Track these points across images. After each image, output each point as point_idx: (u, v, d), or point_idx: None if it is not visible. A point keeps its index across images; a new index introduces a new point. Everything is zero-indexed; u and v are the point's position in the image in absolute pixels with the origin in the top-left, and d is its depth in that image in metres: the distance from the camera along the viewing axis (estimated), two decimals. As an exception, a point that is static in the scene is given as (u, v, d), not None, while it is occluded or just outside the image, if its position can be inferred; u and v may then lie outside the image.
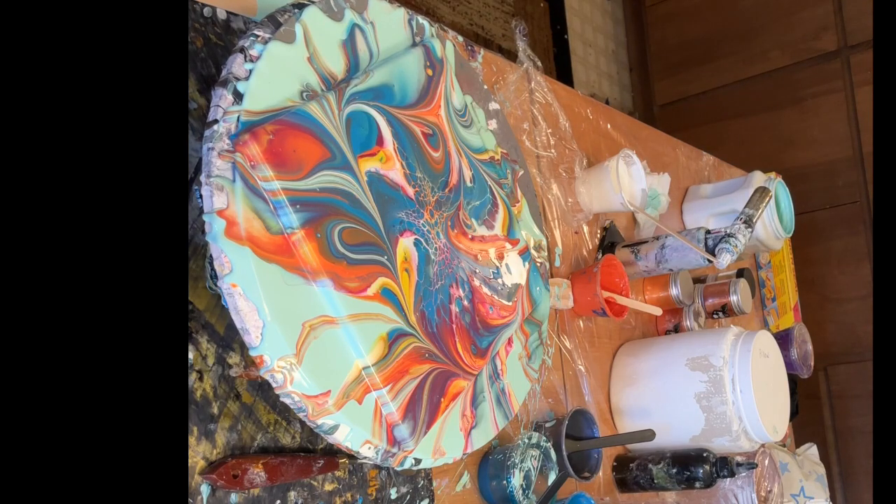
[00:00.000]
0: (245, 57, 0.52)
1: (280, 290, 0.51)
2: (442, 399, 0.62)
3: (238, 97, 0.51)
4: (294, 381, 0.52)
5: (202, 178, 0.49)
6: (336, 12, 0.59)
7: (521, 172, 0.77)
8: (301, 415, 0.53)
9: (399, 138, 0.62)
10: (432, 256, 0.64)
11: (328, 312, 0.54)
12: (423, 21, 0.67)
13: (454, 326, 0.65)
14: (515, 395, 0.74)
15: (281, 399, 0.52)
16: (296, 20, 0.55)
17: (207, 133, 0.50)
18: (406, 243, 0.61)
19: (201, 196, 0.50)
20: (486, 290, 0.70)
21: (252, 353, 0.50)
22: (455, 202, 0.67)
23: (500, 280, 0.72)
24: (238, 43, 0.53)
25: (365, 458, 0.57)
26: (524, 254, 0.76)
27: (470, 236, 0.69)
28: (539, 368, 0.81)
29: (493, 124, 0.74)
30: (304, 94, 0.56)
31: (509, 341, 0.73)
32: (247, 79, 0.52)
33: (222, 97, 0.51)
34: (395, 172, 0.61)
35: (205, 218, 0.49)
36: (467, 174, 0.69)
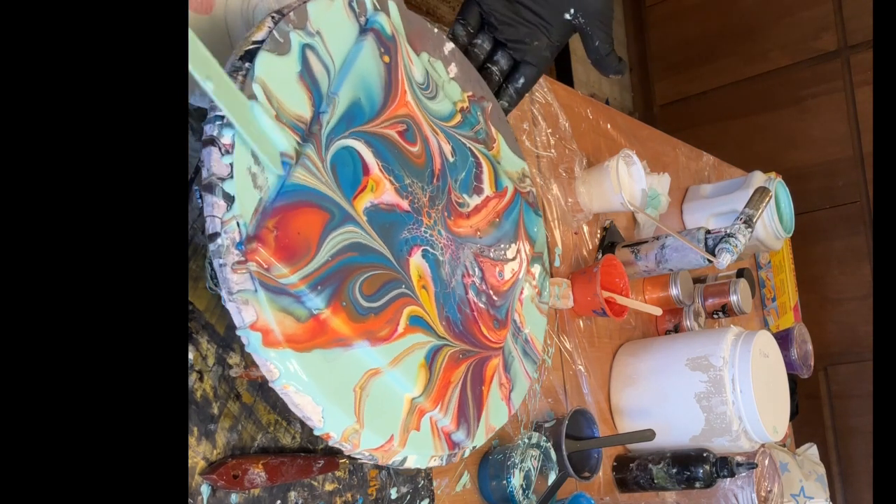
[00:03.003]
0: (220, 149, 0.49)
1: (326, 371, 0.53)
2: (483, 387, 0.66)
3: (229, 199, 0.49)
4: (362, 443, 0.55)
5: (224, 294, 0.49)
6: (283, 43, 0.54)
7: (490, 106, 0.73)
8: (372, 462, 0.57)
9: (381, 154, 0.60)
10: (441, 258, 0.64)
11: (371, 366, 0.56)
12: None
13: (475, 313, 0.67)
14: (537, 338, 0.76)
15: (353, 457, 0.56)
16: (251, 80, 0.51)
17: (213, 248, 0.48)
18: (416, 261, 0.61)
19: (201, 197, 0.50)
20: (491, 259, 0.70)
21: (317, 433, 0.53)
22: (444, 188, 0.66)
23: (501, 244, 0.72)
24: (205, 130, 0.49)
25: (431, 468, 0.61)
26: (513, 201, 0.74)
27: (466, 214, 0.68)
28: (550, 298, 0.86)
29: (453, 68, 0.70)
30: (285, 162, 0.52)
31: (521, 291, 0.75)
32: (231, 176, 0.49)
33: (214, 205, 0.48)
34: (388, 193, 0.60)
35: (239, 333, 0.49)
36: (447, 149, 0.67)
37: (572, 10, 0.71)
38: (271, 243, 0.49)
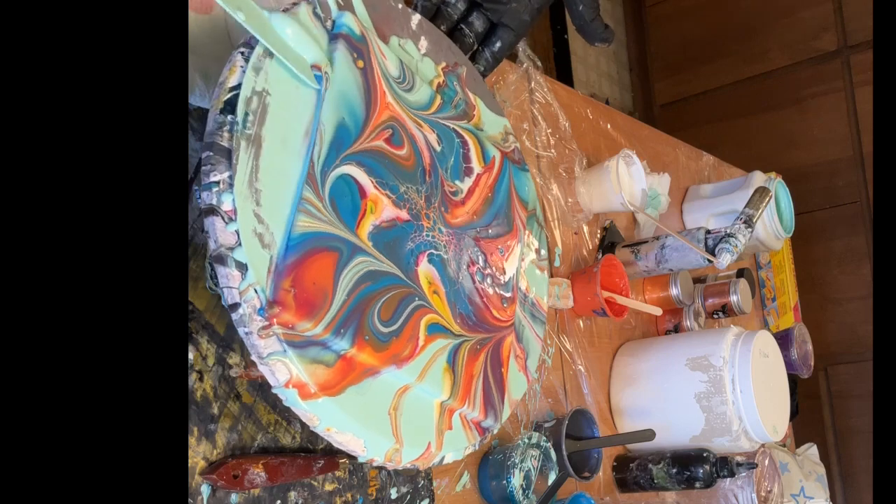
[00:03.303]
0: (223, 217, 0.48)
1: (361, 404, 0.55)
2: (502, 369, 0.69)
3: (242, 268, 0.49)
4: (403, 459, 0.58)
5: (255, 358, 0.50)
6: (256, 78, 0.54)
7: (465, 70, 0.70)
8: (415, 469, 0.64)
9: (373, 170, 0.59)
10: (445, 257, 0.65)
11: (400, 385, 0.58)
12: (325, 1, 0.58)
13: (484, 300, 0.68)
14: (541, 298, 0.77)
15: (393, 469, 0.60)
16: (239, 134, 0.50)
17: (236, 318, 0.49)
18: (424, 268, 0.62)
19: (201, 196, 0.50)
20: (491, 237, 0.71)
21: (361, 461, 0.56)
22: (437, 182, 0.65)
23: (497, 218, 0.72)
24: (203, 198, 0.49)
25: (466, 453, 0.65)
26: (501, 169, 0.73)
27: (461, 201, 0.68)
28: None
29: (423, 43, 0.66)
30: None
31: (521, 257, 0.75)
32: (239, 243, 0.49)
33: (229, 276, 0.48)
34: (387, 209, 0.59)
35: (276, 392, 0.51)
36: (433, 139, 0.65)
37: None
38: (291, 303, 0.50)
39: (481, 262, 0.69)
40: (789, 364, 1.26)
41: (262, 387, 0.60)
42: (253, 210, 0.50)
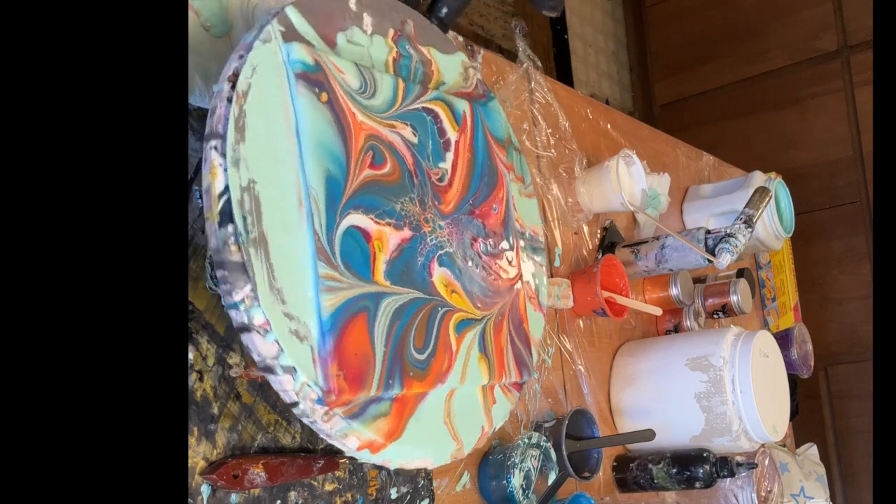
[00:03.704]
0: (259, 332, 0.49)
1: (421, 430, 0.59)
2: (524, 324, 0.72)
3: (292, 371, 0.51)
4: (465, 451, 0.63)
5: (323, 436, 0.53)
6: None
7: (412, 25, 0.68)
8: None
9: (369, 205, 0.59)
10: (451, 250, 0.66)
11: (447, 392, 0.63)
12: (266, 30, 0.54)
13: (493, 268, 0.70)
14: (535, 225, 0.79)
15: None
16: (246, 244, 0.50)
17: (298, 412, 0.52)
18: (438, 274, 0.64)
19: (201, 196, 0.50)
20: (484, 202, 0.71)
21: (431, 469, 0.62)
22: (423, 179, 0.65)
23: (483, 179, 0.72)
24: (233, 318, 0.49)
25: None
26: (473, 122, 0.72)
27: (447, 183, 0.68)
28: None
29: (367, 20, 0.64)
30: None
31: (510, 198, 0.76)
32: (281, 350, 0.50)
33: (282, 382, 0.50)
34: (391, 238, 0.60)
35: (349, 455, 0.55)
36: (408, 133, 0.64)
37: None
38: (343, 385, 0.53)
39: (482, 234, 0.70)
40: (789, 364, 1.26)
41: (262, 387, 0.60)
42: (282, 311, 0.51)
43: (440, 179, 0.67)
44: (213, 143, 0.50)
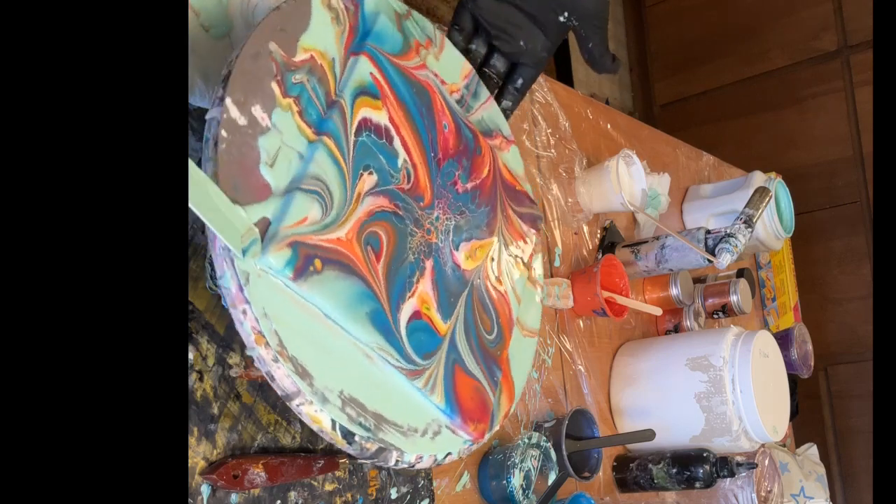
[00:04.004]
0: (426, 465, 0.57)
1: (519, 376, 0.70)
2: (510, 184, 0.75)
3: (449, 455, 0.60)
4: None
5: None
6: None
7: (274, 50, 0.59)
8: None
9: (401, 286, 0.59)
10: (454, 223, 0.66)
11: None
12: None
13: (478, 181, 0.69)
14: (516, 169, 0.77)
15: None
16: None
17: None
18: (460, 254, 0.65)
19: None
20: (440, 140, 0.67)
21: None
22: (406, 205, 0.62)
23: (425, 120, 0.67)
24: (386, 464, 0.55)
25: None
26: (381, 69, 0.62)
27: (414, 176, 0.63)
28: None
29: (259, 112, 0.54)
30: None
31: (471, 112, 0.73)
32: (444, 459, 0.59)
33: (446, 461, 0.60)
34: (426, 284, 0.62)
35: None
36: (370, 183, 0.59)
37: (566, 14, 0.70)
38: (482, 427, 0.62)
39: (457, 168, 0.67)
40: (789, 364, 1.26)
41: (262, 387, 0.60)
42: (429, 435, 0.58)
43: (409, 181, 0.63)
44: (296, 402, 0.51)
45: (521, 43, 0.72)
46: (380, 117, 0.60)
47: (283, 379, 0.49)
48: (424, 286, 0.61)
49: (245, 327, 0.48)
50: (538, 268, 0.77)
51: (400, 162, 0.61)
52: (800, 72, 2.21)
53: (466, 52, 0.73)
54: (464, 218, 0.67)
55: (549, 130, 1.03)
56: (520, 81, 0.75)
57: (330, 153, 0.55)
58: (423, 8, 1.82)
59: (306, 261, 0.51)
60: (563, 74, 2.36)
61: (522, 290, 0.72)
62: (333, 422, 0.51)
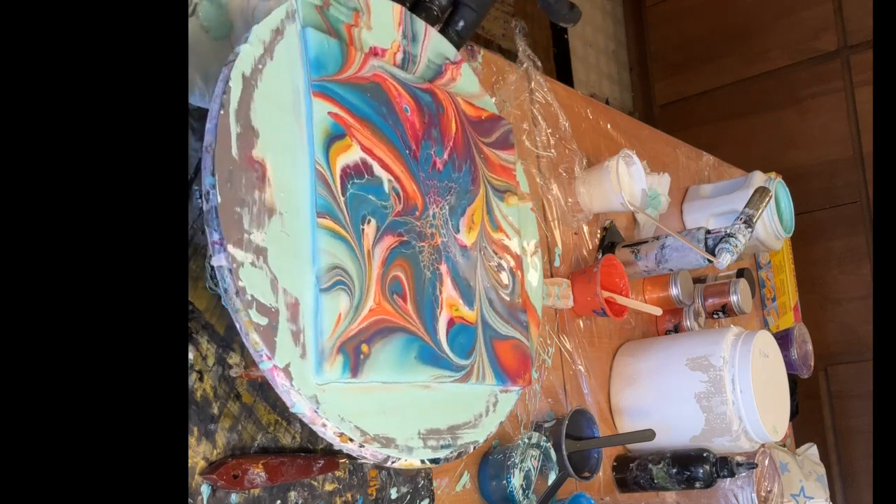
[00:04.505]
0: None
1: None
2: (475, 118, 0.73)
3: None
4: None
5: None
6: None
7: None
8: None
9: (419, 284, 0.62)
10: (452, 202, 0.67)
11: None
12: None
13: (452, 145, 0.69)
14: (472, 91, 0.75)
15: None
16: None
17: None
18: (462, 232, 0.67)
19: (201, 196, 0.50)
20: (408, 130, 0.66)
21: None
22: (412, 233, 0.63)
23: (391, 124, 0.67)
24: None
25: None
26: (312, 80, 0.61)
27: (402, 191, 0.63)
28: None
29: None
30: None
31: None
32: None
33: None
34: (452, 289, 0.66)
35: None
36: (371, 230, 0.59)
37: None
38: (529, 377, 0.71)
39: (433, 149, 0.66)
40: (789, 364, 1.26)
41: (262, 387, 0.60)
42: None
43: (400, 199, 0.63)
44: (388, 463, 0.57)
45: None
46: (354, 154, 0.59)
47: (374, 455, 0.54)
48: (447, 291, 0.64)
49: (328, 434, 0.52)
50: (522, 180, 0.77)
51: (386, 186, 0.61)
52: (800, 72, 2.21)
53: None
54: (453, 194, 0.67)
55: (549, 130, 1.03)
56: (461, 24, 0.73)
57: (332, 232, 0.55)
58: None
59: (356, 353, 0.55)
60: (563, 74, 2.36)
61: (517, 217, 0.74)
62: (422, 460, 0.57)
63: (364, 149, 0.60)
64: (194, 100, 0.58)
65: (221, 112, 0.50)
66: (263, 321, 0.50)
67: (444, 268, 0.64)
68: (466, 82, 0.74)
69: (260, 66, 0.53)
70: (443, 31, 0.74)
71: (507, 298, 0.70)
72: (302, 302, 0.53)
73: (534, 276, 0.77)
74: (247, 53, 0.52)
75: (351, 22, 0.63)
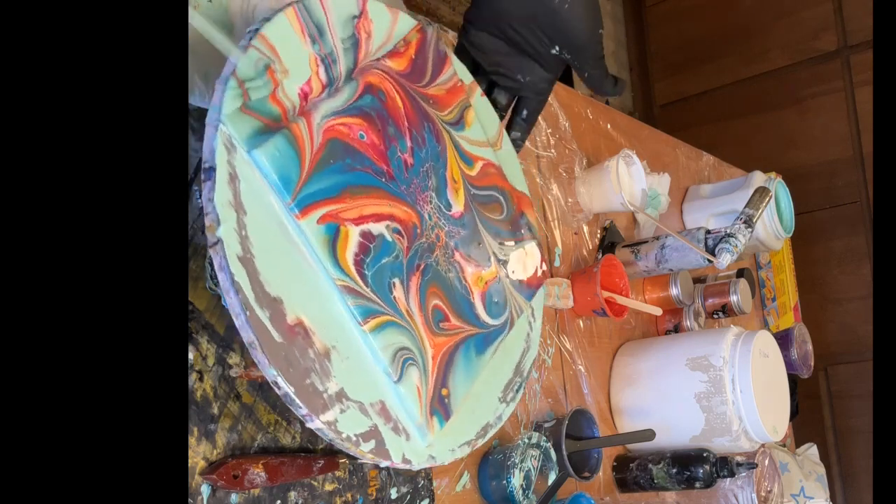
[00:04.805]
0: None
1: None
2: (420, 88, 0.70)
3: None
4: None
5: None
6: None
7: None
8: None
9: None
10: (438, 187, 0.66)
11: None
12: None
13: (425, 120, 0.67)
14: (380, 39, 0.67)
15: None
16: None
17: None
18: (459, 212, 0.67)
19: (201, 196, 0.50)
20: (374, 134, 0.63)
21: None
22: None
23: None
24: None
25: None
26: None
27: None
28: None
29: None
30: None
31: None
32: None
33: None
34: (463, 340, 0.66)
35: None
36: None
37: (557, 48, 0.70)
38: (546, 272, 0.77)
39: (409, 145, 0.65)
40: (789, 364, 1.26)
41: (262, 387, 0.60)
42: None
43: (404, 236, 0.63)
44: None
45: (519, 77, 0.73)
46: (353, 236, 0.57)
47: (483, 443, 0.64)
48: (469, 272, 0.66)
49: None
50: (477, 99, 0.73)
51: (388, 235, 0.60)
52: (800, 72, 2.21)
53: None
54: (431, 175, 0.65)
55: (549, 130, 1.03)
56: (525, 112, 0.76)
57: (377, 328, 0.57)
58: (424, 9, 1.82)
59: (441, 402, 0.60)
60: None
61: (481, 126, 0.72)
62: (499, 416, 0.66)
63: (356, 221, 0.57)
64: (194, 100, 0.58)
65: (246, 310, 0.48)
66: (371, 445, 0.54)
67: (457, 255, 0.66)
68: (378, 26, 0.65)
69: (243, 233, 0.50)
70: (511, 120, 0.77)
71: (506, 221, 0.72)
72: (387, 400, 0.56)
73: (507, 152, 0.75)
74: (228, 235, 0.49)
75: (270, 87, 0.54)
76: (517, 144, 0.77)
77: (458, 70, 0.72)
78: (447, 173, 0.68)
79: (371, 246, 0.59)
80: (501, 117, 0.77)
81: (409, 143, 0.65)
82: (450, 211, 0.67)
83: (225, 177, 0.49)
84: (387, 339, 0.57)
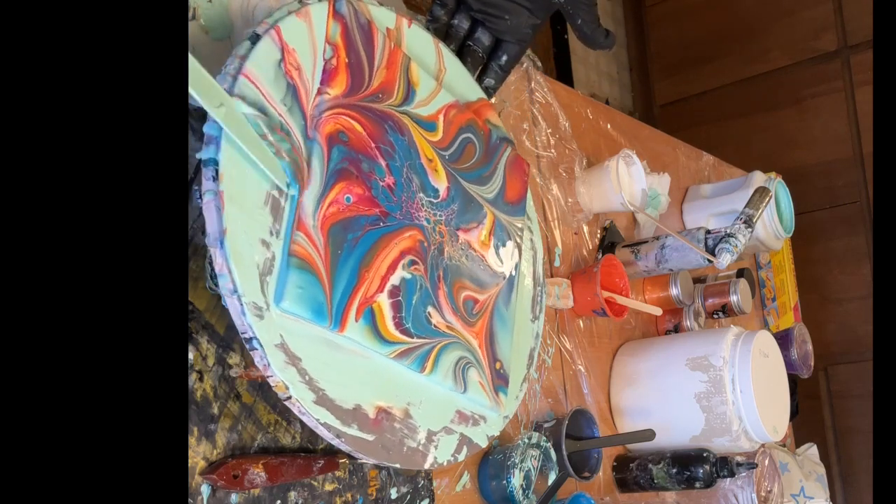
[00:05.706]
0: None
1: None
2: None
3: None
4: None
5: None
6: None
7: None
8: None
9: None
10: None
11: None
12: None
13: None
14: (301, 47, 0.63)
15: None
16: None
17: None
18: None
19: (201, 197, 0.50)
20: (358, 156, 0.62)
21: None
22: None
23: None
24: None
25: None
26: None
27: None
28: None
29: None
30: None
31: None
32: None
33: None
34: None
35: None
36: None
37: None
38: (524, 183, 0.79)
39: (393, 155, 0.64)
40: (789, 364, 1.26)
41: (262, 387, 0.60)
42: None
43: (420, 255, 0.64)
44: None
45: (505, 17, 0.71)
46: (385, 305, 0.59)
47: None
48: (476, 243, 0.69)
49: None
50: (409, 39, 0.68)
51: (409, 274, 0.62)
52: (800, 72, 2.21)
53: (448, 27, 0.72)
54: (414, 179, 0.64)
55: (549, 130, 1.03)
56: (504, 58, 0.74)
57: (435, 362, 0.62)
58: (423, 8, 1.82)
59: (503, 379, 0.69)
60: (563, 74, 2.36)
61: (428, 83, 0.67)
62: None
63: (381, 287, 0.59)
64: (194, 100, 0.58)
65: (339, 436, 0.55)
66: (464, 452, 0.66)
67: (461, 234, 0.68)
68: (300, 48, 0.57)
69: (307, 377, 0.53)
70: (486, 65, 0.75)
71: (480, 153, 0.71)
72: (461, 408, 0.66)
73: (452, 69, 0.71)
74: (298, 391, 0.52)
75: (280, 142, 0.54)
76: (489, 92, 0.75)
77: (377, 18, 0.64)
78: (422, 159, 0.65)
79: (400, 298, 0.61)
80: (482, 60, 0.74)
81: (383, 164, 0.61)
82: (438, 197, 0.66)
83: (269, 344, 0.51)
84: (443, 366, 0.62)
